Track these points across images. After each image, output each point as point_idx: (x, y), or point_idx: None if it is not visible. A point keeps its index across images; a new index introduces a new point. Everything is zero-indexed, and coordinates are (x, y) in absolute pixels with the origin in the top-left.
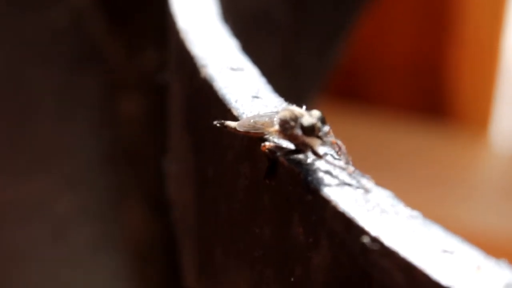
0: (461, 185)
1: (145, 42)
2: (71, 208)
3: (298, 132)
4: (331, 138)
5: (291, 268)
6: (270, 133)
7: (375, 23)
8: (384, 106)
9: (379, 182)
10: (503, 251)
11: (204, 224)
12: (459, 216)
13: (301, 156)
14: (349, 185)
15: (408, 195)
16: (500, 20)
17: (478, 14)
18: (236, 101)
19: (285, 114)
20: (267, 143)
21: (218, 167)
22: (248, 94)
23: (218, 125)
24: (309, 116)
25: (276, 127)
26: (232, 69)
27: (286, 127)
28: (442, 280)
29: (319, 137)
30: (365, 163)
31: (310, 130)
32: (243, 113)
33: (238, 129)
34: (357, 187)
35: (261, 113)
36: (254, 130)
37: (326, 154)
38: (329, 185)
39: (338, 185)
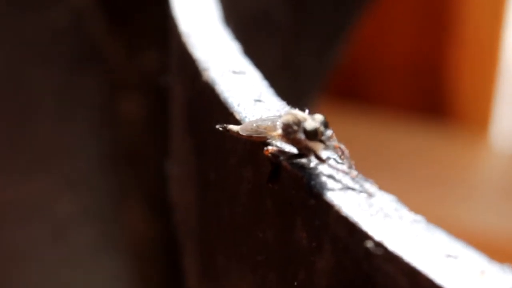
0: (461, 185)
1: (145, 42)
2: (71, 208)
3: (301, 136)
4: (334, 142)
5: (294, 272)
6: (273, 137)
7: (375, 23)
8: (384, 106)
9: (379, 182)
10: (503, 251)
11: (206, 227)
12: (459, 216)
13: (304, 160)
14: (353, 189)
15: (408, 195)
16: (500, 20)
17: (478, 14)
18: (238, 105)
19: (288, 118)
20: (270, 147)
21: (221, 170)
22: (251, 98)
23: (220, 129)
24: (312, 120)
25: (279, 131)
26: (234, 72)
27: (289, 131)
28: (446, 285)
29: (322, 141)
30: (365, 163)
31: (313, 134)
32: (246, 117)
33: (240, 133)
34: (361, 191)
35: (264, 117)
36: (257, 134)
37: (329, 158)
38: (332, 189)
39: (341, 189)
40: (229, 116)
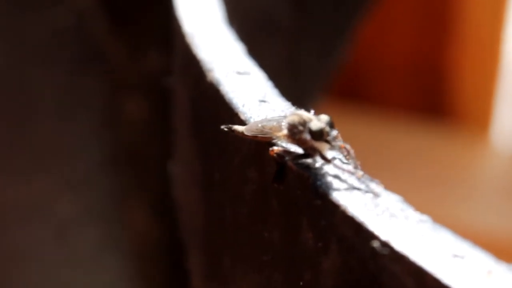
0: (461, 185)
1: (146, 43)
2: (73, 208)
3: (307, 136)
4: (340, 143)
5: (300, 272)
6: (278, 137)
7: (376, 24)
8: (384, 106)
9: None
10: (504, 251)
11: (211, 227)
12: (459, 216)
13: (309, 160)
14: (358, 189)
15: (409, 195)
16: (501, 20)
17: (478, 14)
18: (243, 105)
19: (294, 118)
20: (275, 148)
21: (225, 171)
22: (255, 98)
23: (225, 129)
24: (318, 121)
25: (285, 131)
26: (239, 73)
27: (295, 132)
28: (453, 285)
29: (327, 142)
30: (365, 163)
31: (319, 135)
32: (251, 117)
33: (246, 133)
34: (366, 192)
35: (269, 117)
36: (262, 134)
37: (334, 158)
38: (338, 190)
39: (347, 189)
40: (234, 117)
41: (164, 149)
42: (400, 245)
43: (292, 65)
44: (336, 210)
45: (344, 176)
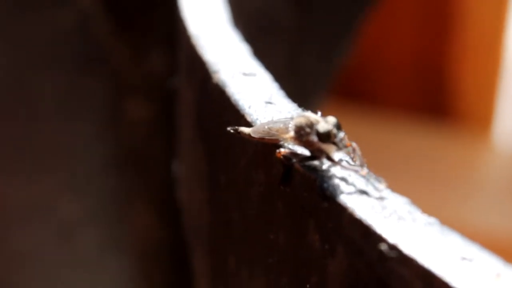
0: (463, 185)
1: (149, 44)
2: (75, 209)
3: (314, 138)
4: (346, 141)
5: (306, 275)
6: (285, 139)
7: (378, 24)
8: (386, 107)
9: None
10: (506, 251)
11: (216, 229)
12: (462, 215)
13: (316, 162)
14: (365, 192)
15: (411, 195)
16: (503, 20)
17: (480, 15)
18: (249, 107)
19: (301, 120)
20: (282, 150)
21: (231, 173)
22: (261, 100)
23: (232, 131)
24: (325, 123)
25: (292, 133)
26: (245, 74)
27: (302, 134)
28: None
29: (335, 144)
30: (367, 163)
31: (326, 137)
32: (257, 119)
33: (252, 135)
34: (373, 194)
35: (275, 119)
36: (269, 136)
37: (341, 160)
38: (345, 192)
39: (354, 192)
40: (240, 118)
41: (167, 150)
42: (408, 248)
43: (295, 65)
44: (343, 213)
45: (351, 178)
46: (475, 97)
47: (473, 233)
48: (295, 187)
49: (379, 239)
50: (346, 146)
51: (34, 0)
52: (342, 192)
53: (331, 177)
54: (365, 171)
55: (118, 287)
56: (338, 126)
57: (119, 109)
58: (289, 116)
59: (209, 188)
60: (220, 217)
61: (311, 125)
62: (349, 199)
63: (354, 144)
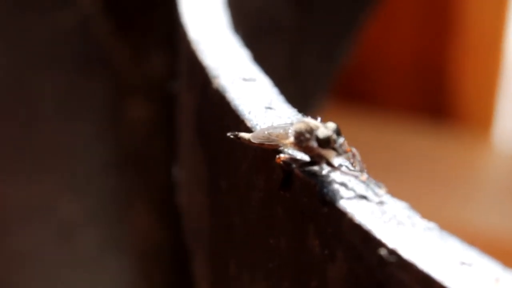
0: (464, 186)
1: (150, 45)
2: (75, 209)
3: (314, 144)
4: (346, 147)
5: (306, 280)
6: (285, 145)
7: (379, 25)
8: (386, 107)
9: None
10: (506, 251)
11: (217, 233)
12: (462, 216)
13: (316, 168)
14: (365, 197)
15: (411, 195)
16: (503, 21)
17: (481, 15)
18: (249, 112)
19: (301, 126)
20: (282, 155)
21: (231, 178)
22: (261, 105)
23: (231, 136)
24: (325, 128)
25: (291, 139)
26: (245, 79)
27: (302, 139)
28: None
29: (334, 149)
30: (367, 164)
31: (326, 142)
32: (257, 124)
33: (252, 140)
34: (373, 199)
35: (275, 124)
36: (269, 142)
37: (341, 165)
38: (345, 197)
39: (354, 197)
40: (240, 124)
41: (167, 150)
42: (407, 253)
43: (295, 65)
44: (343, 218)
45: (351, 183)
46: (475, 98)
47: (473, 233)
48: (295, 192)
49: (379, 244)
50: (345, 152)
51: (34, 0)
52: (341, 197)
53: (331, 182)
54: (364, 176)
55: (118, 287)
56: (338, 132)
57: (119, 109)
58: (289, 121)
59: (209, 192)
60: (221, 221)
61: (310, 130)
62: (348, 204)
63: (353, 150)
